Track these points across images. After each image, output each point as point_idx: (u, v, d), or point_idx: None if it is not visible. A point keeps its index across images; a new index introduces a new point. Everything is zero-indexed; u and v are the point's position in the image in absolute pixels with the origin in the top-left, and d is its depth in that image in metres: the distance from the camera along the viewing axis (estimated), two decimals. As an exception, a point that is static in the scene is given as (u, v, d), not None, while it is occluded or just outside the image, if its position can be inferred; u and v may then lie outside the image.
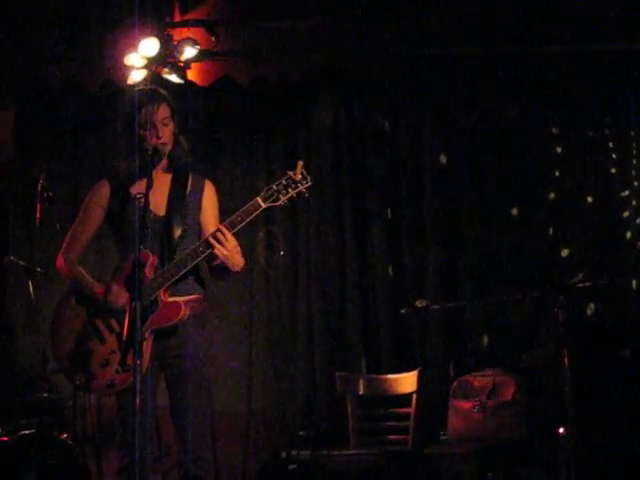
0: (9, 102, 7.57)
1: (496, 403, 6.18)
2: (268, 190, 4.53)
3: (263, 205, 4.51)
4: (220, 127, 7.60)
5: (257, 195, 4.52)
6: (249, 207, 4.52)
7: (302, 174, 4.53)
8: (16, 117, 7.61)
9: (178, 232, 4.67)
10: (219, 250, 4.50)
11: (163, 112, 4.72)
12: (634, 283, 7.10)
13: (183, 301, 4.61)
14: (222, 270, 4.67)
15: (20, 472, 5.73)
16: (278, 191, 4.51)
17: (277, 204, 4.52)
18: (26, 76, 7.40)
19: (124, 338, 4.16)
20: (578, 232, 7.22)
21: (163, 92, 4.82)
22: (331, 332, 7.37)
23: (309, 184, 4.53)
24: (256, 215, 4.53)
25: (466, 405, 6.27)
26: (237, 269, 4.65)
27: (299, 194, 4.54)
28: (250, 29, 7.32)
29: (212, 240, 4.50)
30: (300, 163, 4.54)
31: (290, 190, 4.52)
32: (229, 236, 4.50)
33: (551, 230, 7.27)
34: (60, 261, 4.78)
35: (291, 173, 4.53)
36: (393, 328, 7.27)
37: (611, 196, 7.27)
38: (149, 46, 6.88)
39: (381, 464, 6.12)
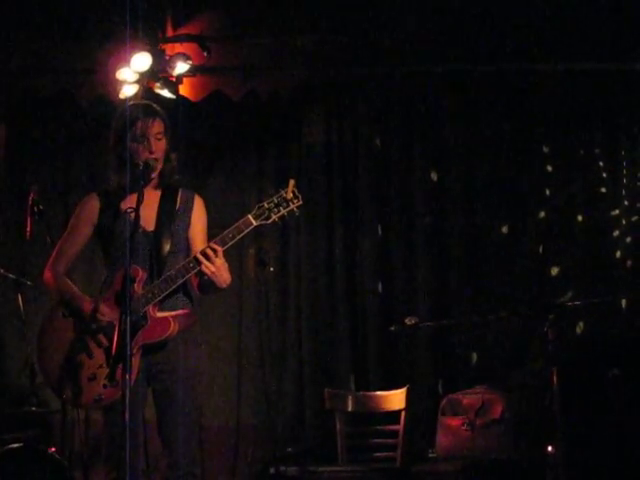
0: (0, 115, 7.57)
1: (485, 421, 6.16)
2: (259, 208, 4.54)
3: (254, 223, 4.52)
4: (211, 142, 7.60)
5: (248, 212, 4.54)
6: (240, 225, 4.54)
7: (293, 192, 4.54)
8: (7, 130, 7.60)
9: (167, 247, 4.68)
10: (206, 267, 4.51)
11: (157, 127, 4.73)
12: (623, 302, 7.10)
13: (172, 316, 4.61)
14: (209, 286, 4.68)
15: (7, 486, 5.72)
16: (269, 209, 4.53)
17: (268, 222, 4.53)
18: (17, 89, 7.39)
19: (113, 353, 4.16)
20: (568, 251, 7.23)
21: (158, 108, 4.83)
22: (320, 348, 7.37)
23: (300, 203, 4.55)
24: (247, 232, 4.54)
25: (455, 423, 6.25)
26: (224, 286, 4.66)
27: (290, 212, 4.55)
28: (242, 45, 7.33)
29: (200, 257, 4.51)
30: (292, 182, 4.55)
31: (281, 209, 4.53)
32: (219, 253, 4.51)
33: (541, 248, 7.28)
34: (47, 274, 4.78)
35: (283, 192, 4.54)
36: (382, 345, 7.27)
37: (601, 215, 7.29)
38: (141, 61, 6.88)
39: (369, 481, 6.12)
